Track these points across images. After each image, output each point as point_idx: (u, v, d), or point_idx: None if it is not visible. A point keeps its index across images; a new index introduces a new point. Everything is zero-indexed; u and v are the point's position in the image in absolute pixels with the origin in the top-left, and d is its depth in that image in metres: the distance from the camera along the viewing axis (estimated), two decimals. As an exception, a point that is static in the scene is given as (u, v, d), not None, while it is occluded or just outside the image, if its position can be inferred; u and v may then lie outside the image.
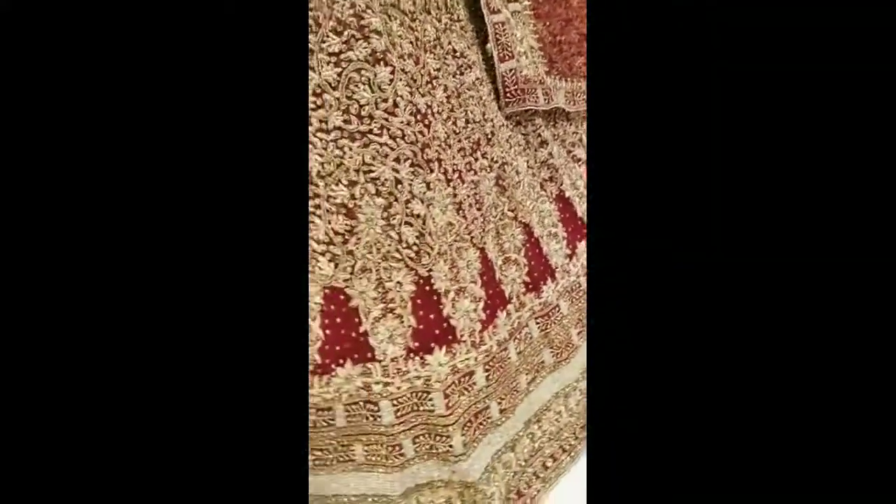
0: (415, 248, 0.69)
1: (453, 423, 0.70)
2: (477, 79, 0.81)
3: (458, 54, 0.78)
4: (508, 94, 0.87)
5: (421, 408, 0.70)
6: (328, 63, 0.63)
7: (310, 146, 0.64)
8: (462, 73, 0.78)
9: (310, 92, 0.64)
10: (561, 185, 0.91)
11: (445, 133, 0.72)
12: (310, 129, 0.64)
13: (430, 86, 0.72)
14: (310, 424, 0.70)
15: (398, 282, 0.69)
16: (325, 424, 0.70)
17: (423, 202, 0.69)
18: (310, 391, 0.69)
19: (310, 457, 0.71)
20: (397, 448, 0.70)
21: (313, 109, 0.64)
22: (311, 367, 0.69)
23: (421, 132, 0.69)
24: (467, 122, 0.77)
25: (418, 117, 0.69)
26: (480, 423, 0.73)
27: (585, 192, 0.95)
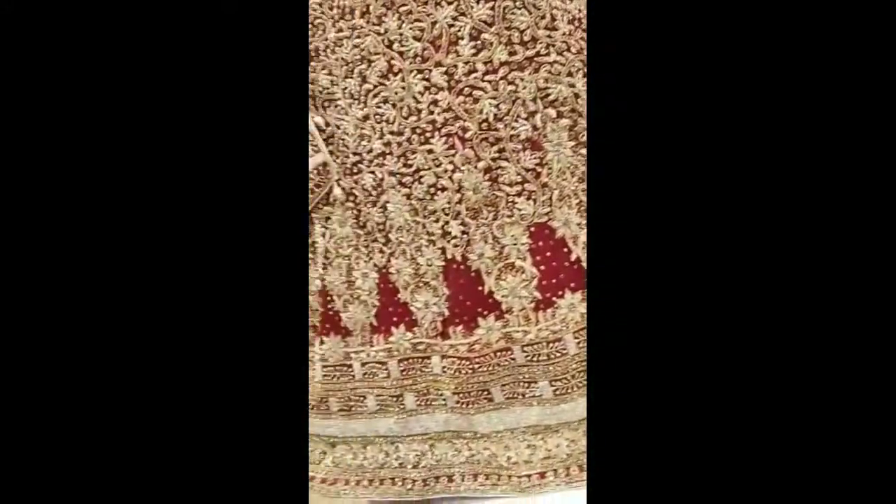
0: None
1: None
2: None
3: None
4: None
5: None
6: (478, 1, 0.60)
7: (480, 92, 0.63)
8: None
9: (466, 37, 0.61)
10: None
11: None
12: (475, 75, 0.63)
13: None
14: (543, 358, 0.71)
15: (599, 201, 0.67)
16: (558, 355, 0.71)
17: None
18: (536, 327, 0.70)
19: (549, 388, 0.73)
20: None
21: (474, 54, 0.62)
22: (532, 305, 0.70)
23: (582, 38, 0.65)
24: None
25: (576, 24, 0.64)
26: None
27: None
